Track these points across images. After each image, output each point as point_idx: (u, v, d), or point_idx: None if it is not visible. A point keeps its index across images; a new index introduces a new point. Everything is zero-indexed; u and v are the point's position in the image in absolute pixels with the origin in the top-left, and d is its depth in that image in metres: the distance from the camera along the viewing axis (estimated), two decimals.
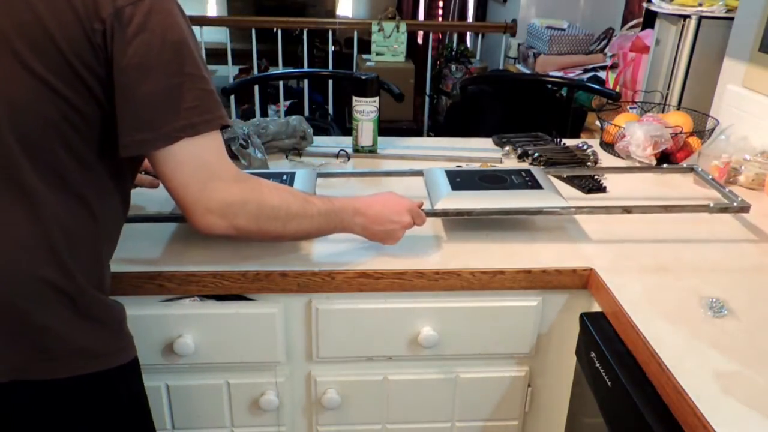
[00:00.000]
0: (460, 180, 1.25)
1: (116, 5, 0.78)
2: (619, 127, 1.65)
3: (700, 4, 2.10)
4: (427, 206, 1.17)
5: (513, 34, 4.03)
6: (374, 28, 4.18)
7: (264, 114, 4.09)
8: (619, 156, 1.64)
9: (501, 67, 4.07)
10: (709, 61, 2.03)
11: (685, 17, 2.09)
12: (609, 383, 0.95)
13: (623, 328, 0.98)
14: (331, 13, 5.93)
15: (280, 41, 3.98)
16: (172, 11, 0.83)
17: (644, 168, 1.38)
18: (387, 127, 1.92)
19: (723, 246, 1.21)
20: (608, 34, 3.42)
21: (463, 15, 5.16)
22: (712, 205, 1.21)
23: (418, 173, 1.34)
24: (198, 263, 1.07)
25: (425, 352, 1.14)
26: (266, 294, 1.09)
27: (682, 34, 2.11)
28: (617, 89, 2.56)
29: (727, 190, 1.28)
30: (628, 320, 0.96)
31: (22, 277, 0.79)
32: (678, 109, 1.91)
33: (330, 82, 4.08)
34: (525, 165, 1.35)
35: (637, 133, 1.56)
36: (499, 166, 1.37)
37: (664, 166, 1.38)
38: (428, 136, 4.33)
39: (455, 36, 4.53)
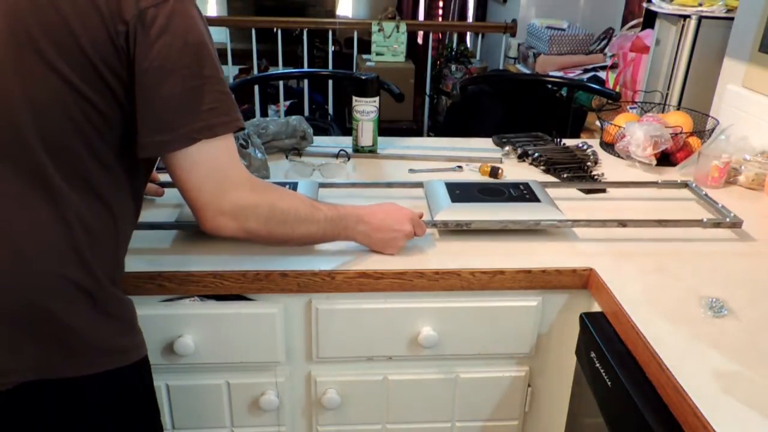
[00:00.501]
0: (460, 192, 1.27)
1: (139, 6, 0.78)
2: (619, 127, 1.65)
3: (700, 4, 2.10)
4: (426, 217, 1.19)
5: (513, 34, 4.03)
6: (374, 28, 4.18)
7: (264, 114, 4.09)
8: (619, 156, 1.64)
9: (501, 67, 4.07)
10: (709, 61, 2.03)
11: (685, 17, 2.09)
12: (609, 383, 0.95)
13: (623, 328, 0.98)
14: (331, 13, 5.93)
15: (280, 41, 3.98)
16: (192, 13, 0.83)
17: (639, 183, 1.43)
18: (387, 127, 1.92)
19: (723, 246, 1.21)
20: (608, 34, 3.43)
21: (463, 15, 5.15)
22: (705, 220, 1.23)
23: (419, 185, 1.36)
24: (198, 263, 1.07)
25: (425, 352, 1.14)
26: (266, 294, 1.09)
27: (682, 34, 2.11)
28: (617, 89, 2.56)
29: (720, 205, 1.30)
30: (628, 320, 0.96)
31: (48, 276, 0.80)
32: (678, 109, 1.91)
33: (330, 82, 4.08)
34: (524, 178, 1.38)
35: (637, 133, 1.56)
36: (498, 180, 1.39)
37: (659, 181, 1.42)
38: (428, 136, 4.33)
39: (455, 36, 4.53)
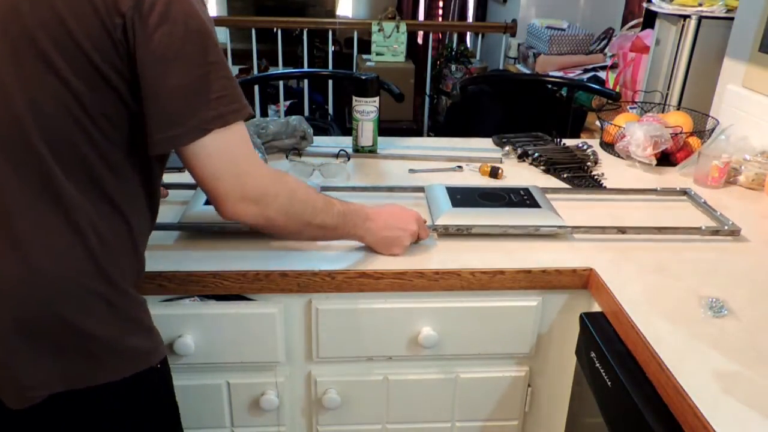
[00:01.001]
0: (461, 197, 1.28)
1: None
2: (619, 127, 1.65)
3: (700, 4, 2.10)
4: (427, 221, 1.18)
5: (513, 34, 4.03)
6: (374, 28, 4.18)
7: (264, 114, 4.09)
8: (619, 156, 1.64)
9: (501, 67, 4.07)
10: (709, 61, 2.03)
11: (685, 17, 2.09)
12: (609, 383, 0.95)
13: (623, 328, 0.98)
14: (331, 13, 5.92)
15: (280, 41, 3.98)
16: None
17: (638, 190, 1.43)
18: (387, 127, 1.92)
19: (723, 246, 1.21)
20: (608, 34, 3.43)
21: (463, 15, 5.15)
22: (704, 227, 1.23)
23: (420, 189, 1.36)
24: (198, 263, 1.07)
25: (425, 352, 1.14)
26: (266, 294, 1.09)
27: (682, 34, 2.11)
28: (617, 89, 2.56)
29: (718, 213, 1.30)
30: (628, 320, 0.96)
31: (66, 285, 0.79)
32: (678, 109, 1.91)
33: (330, 82, 4.08)
34: (524, 179, 1.38)
35: (637, 133, 1.56)
36: (499, 185, 1.39)
37: (658, 188, 1.42)
38: (428, 136, 4.33)
39: (455, 36, 4.53)
